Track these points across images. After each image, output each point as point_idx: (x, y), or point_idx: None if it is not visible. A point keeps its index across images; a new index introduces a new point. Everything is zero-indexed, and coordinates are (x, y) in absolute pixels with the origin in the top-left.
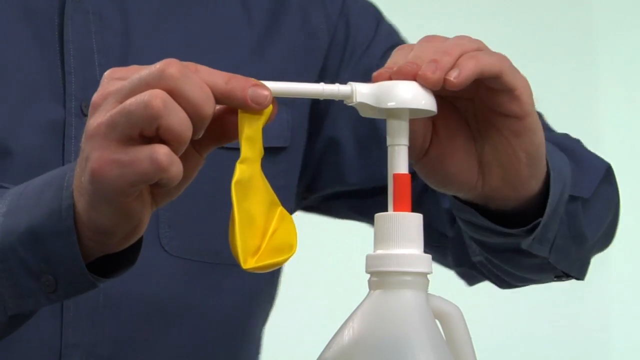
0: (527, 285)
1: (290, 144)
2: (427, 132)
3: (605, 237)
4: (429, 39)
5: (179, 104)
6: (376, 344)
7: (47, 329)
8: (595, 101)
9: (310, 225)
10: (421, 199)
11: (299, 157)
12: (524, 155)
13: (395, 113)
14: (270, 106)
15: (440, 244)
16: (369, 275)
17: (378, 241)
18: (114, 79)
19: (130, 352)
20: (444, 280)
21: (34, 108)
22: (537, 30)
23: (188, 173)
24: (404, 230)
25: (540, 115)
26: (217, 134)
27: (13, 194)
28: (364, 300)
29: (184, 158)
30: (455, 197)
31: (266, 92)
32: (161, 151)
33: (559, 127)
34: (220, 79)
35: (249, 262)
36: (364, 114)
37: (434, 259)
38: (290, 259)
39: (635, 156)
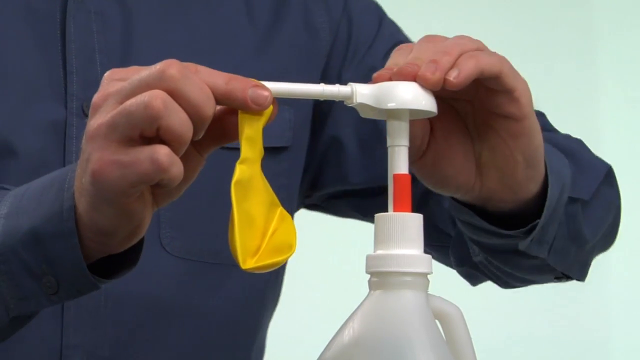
0: (528, 285)
1: (293, 144)
2: (425, 133)
3: (606, 238)
4: (429, 39)
5: (180, 104)
6: (376, 345)
7: (47, 329)
8: (595, 101)
9: (310, 226)
10: (425, 198)
11: (301, 157)
12: (521, 157)
13: (395, 114)
14: (271, 107)
15: (443, 243)
16: (369, 276)
17: (378, 241)
18: (114, 80)
19: (131, 353)
20: (444, 281)
21: (35, 108)
22: (537, 30)
23: (189, 173)
24: (404, 230)
25: (542, 115)
26: (217, 134)
27: (14, 196)
28: (364, 301)
29: (184, 158)
30: (453, 198)
31: (266, 93)
32: (162, 152)
33: (558, 127)
34: (221, 79)
35: (248, 263)
36: (364, 114)
37: (438, 258)
38: (290, 259)
39: (635, 156)
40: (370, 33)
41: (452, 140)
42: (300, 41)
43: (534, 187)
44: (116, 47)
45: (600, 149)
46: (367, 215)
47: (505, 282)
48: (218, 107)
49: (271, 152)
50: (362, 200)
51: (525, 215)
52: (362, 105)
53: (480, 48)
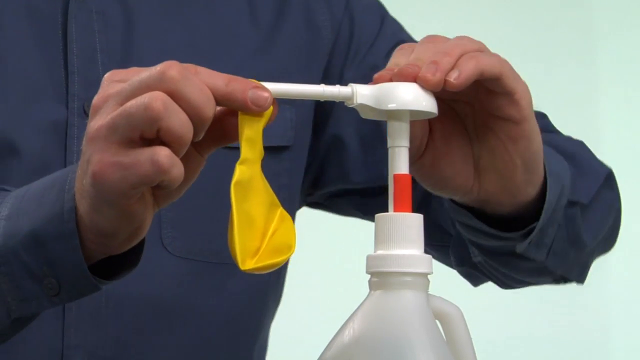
0: (527, 286)
1: (294, 143)
2: (424, 134)
3: (605, 241)
4: (430, 39)
5: (180, 106)
6: (376, 345)
7: (49, 330)
8: (595, 101)
9: (310, 226)
10: (427, 197)
11: (303, 156)
12: (520, 161)
13: (395, 114)
14: (271, 107)
15: (445, 243)
16: (369, 276)
17: (378, 242)
18: (114, 82)
19: (133, 353)
20: (445, 281)
21: (36, 108)
22: (537, 30)
23: (189, 174)
24: (404, 230)
25: (544, 117)
26: (217, 135)
27: (14, 197)
28: (364, 301)
29: (185, 159)
30: (452, 200)
31: (266, 94)
32: (162, 153)
33: (558, 127)
34: (221, 81)
35: (247, 263)
36: (364, 115)
37: (438, 258)
38: (291, 258)
39: (635, 156)
40: (372, 31)
41: (451, 141)
42: (302, 40)
43: (532, 191)
44: (117, 47)
45: (600, 149)
46: (368, 214)
47: (504, 283)
48: (218, 108)
49: (272, 152)
50: (363, 199)
51: (524, 218)
52: (362, 106)
53: (481, 49)
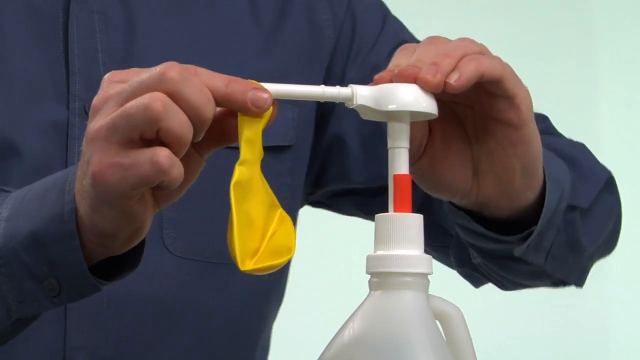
0: (526, 288)
1: (296, 142)
2: (423, 135)
3: (605, 245)
4: (432, 40)
5: (180, 106)
6: (376, 345)
7: (51, 331)
8: (595, 101)
9: (310, 226)
10: (429, 198)
11: (305, 155)
12: (519, 165)
13: (396, 115)
14: (271, 108)
15: (446, 243)
16: (369, 276)
17: (378, 242)
18: (114, 82)
19: (135, 354)
20: (445, 281)
21: (37, 108)
22: (537, 30)
23: (189, 175)
24: (404, 231)
25: (546, 119)
26: (217, 136)
27: (15, 198)
28: (364, 301)
29: (184, 160)
30: (451, 202)
31: (266, 95)
32: (162, 154)
33: (558, 127)
34: (221, 82)
35: (247, 264)
36: (364, 116)
37: (439, 259)
38: (289, 260)
39: (635, 156)
40: (374, 31)
41: (451, 144)
42: (304, 40)
43: (531, 195)
44: (119, 47)
45: (600, 149)
46: (369, 214)
47: (504, 285)
48: (218, 109)
49: (274, 151)
50: (364, 199)
51: (523, 221)
52: (362, 107)
53: (483, 52)
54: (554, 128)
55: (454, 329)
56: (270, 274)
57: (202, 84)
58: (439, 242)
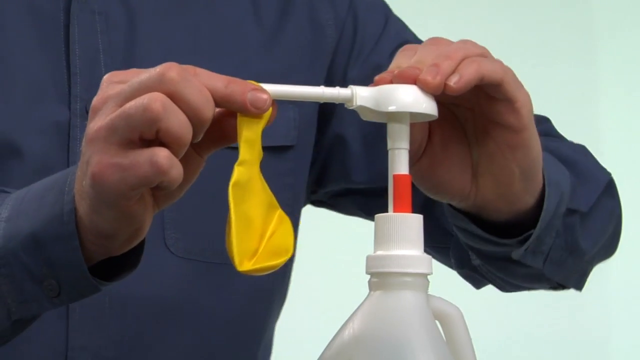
0: (525, 290)
1: (298, 142)
2: (423, 137)
3: (606, 249)
4: (433, 42)
5: (179, 107)
6: (376, 345)
7: (53, 331)
8: (595, 101)
9: (310, 226)
10: (431, 198)
11: (307, 155)
12: (517, 169)
13: (396, 116)
14: (270, 109)
15: (447, 245)
16: (369, 276)
17: (378, 242)
18: (114, 83)
19: (137, 354)
20: (445, 281)
21: (39, 109)
22: (537, 30)
23: (189, 175)
24: (404, 231)
25: (547, 121)
26: (216, 136)
27: (15, 199)
28: (364, 301)
29: (184, 160)
30: (449, 204)
31: (265, 96)
32: (161, 154)
33: (558, 127)
34: (220, 82)
35: (244, 265)
36: (364, 117)
37: (440, 260)
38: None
39: (635, 156)
40: (376, 31)
41: (450, 146)
42: (306, 39)
43: (530, 199)
44: (120, 47)
45: (600, 149)
46: (371, 214)
47: (502, 286)
48: (217, 110)
49: (276, 151)
50: (366, 199)
51: (522, 224)
52: (362, 107)
53: (484, 54)
54: (555, 130)
55: (453, 329)
56: (273, 273)
57: (202, 85)
58: (440, 243)
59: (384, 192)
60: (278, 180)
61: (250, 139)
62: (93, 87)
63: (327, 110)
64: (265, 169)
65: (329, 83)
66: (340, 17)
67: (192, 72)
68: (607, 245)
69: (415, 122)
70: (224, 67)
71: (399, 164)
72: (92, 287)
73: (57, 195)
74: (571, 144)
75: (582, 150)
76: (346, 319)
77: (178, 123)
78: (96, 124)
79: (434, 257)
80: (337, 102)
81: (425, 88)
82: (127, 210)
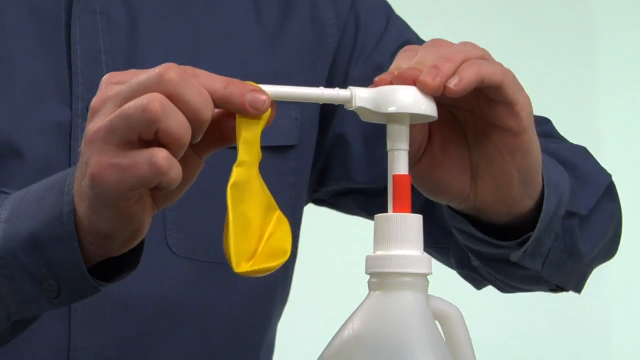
0: (524, 292)
1: (300, 142)
2: (422, 138)
3: (605, 252)
4: (434, 43)
5: (178, 108)
6: (376, 345)
7: (55, 331)
8: (595, 101)
9: (310, 226)
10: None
11: (309, 155)
12: (516, 172)
13: (395, 118)
14: (269, 110)
15: (448, 245)
16: (368, 276)
17: (378, 242)
18: (113, 84)
19: (139, 354)
20: (444, 281)
21: (40, 109)
22: (537, 30)
23: (188, 176)
24: (403, 231)
25: (548, 122)
26: (216, 137)
27: (14, 200)
28: (363, 301)
29: (183, 161)
30: (449, 206)
31: (264, 97)
32: (160, 155)
33: (558, 127)
34: (219, 83)
35: (242, 266)
36: (364, 118)
37: (440, 260)
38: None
39: (635, 156)
40: (378, 31)
41: (449, 148)
42: (308, 39)
43: (529, 202)
44: (121, 47)
45: (600, 149)
46: (371, 214)
47: (502, 287)
48: (216, 110)
49: (277, 151)
50: (367, 199)
51: (521, 227)
52: (361, 108)
53: (485, 57)
54: (555, 131)
55: (453, 329)
56: (274, 273)
57: (201, 85)
58: (441, 243)
59: (385, 192)
60: (280, 179)
61: (249, 140)
62: (94, 87)
63: (328, 110)
64: (267, 168)
65: (331, 83)
66: (342, 16)
67: (191, 73)
68: (607, 247)
69: (415, 123)
70: (225, 67)
71: (399, 164)
72: (91, 287)
73: (56, 196)
74: (571, 145)
75: (582, 152)
76: (345, 319)
77: (177, 124)
78: (95, 124)
79: (434, 257)
80: (336, 103)
81: (424, 89)
82: (126, 211)
